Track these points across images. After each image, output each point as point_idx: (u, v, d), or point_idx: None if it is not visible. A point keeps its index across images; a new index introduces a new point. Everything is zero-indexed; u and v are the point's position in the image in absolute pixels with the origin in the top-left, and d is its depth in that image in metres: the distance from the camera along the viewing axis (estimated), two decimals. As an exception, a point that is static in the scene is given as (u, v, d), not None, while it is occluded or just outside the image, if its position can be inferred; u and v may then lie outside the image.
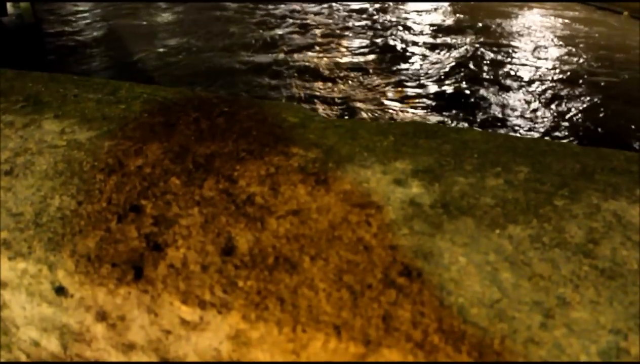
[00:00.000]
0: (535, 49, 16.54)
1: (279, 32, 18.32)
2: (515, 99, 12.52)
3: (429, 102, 12.44)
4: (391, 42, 16.52)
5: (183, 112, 1.48)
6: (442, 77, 13.72)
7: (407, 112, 12.16)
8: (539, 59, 15.91)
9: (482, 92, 13.25)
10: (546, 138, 10.32)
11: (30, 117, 1.55)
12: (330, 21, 20.34)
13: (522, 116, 11.70)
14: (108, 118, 1.50)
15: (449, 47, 16.23)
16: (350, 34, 17.43)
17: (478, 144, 1.41)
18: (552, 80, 13.96)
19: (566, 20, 19.03)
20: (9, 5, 18.05)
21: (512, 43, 16.73)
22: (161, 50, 18.51)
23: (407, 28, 17.98)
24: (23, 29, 16.32)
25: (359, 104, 12.41)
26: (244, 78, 14.72)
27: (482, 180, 1.25)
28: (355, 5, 18.99)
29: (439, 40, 16.78)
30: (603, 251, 1.09)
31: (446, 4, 19.46)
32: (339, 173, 1.23)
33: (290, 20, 19.64)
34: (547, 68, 14.59)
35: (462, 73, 14.11)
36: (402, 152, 1.32)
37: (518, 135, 10.07)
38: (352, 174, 1.23)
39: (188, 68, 15.31)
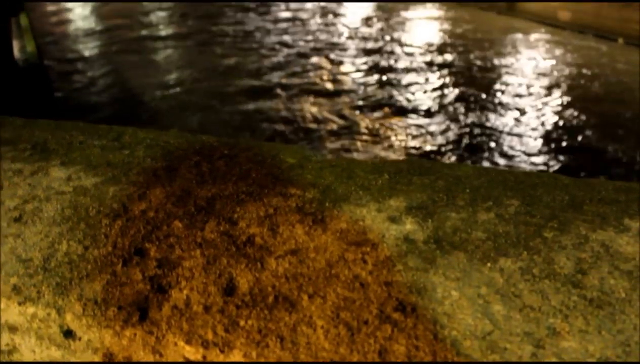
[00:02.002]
0: (534, 70, 16.69)
1: (274, 59, 18.58)
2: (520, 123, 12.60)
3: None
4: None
5: (185, 156, 1.54)
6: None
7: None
8: (538, 79, 16.04)
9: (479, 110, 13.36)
10: (539, 169, 10.38)
11: (38, 164, 1.60)
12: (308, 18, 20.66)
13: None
14: (112, 164, 1.55)
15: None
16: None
17: (470, 179, 1.46)
18: (551, 105, 14.06)
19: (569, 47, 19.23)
20: (15, 47, 18.35)
21: (509, 70, 16.91)
22: (163, 84, 18.77)
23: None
24: (30, 70, 16.58)
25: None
26: (239, 100, 14.93)
27: (473, 214, 1.29)
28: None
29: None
30: (591, 281, 1.13)
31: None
32: (335, 213, 1.28)
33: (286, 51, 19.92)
34: (545, 92, 14.70)
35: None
36: (396, 189, 1.36)
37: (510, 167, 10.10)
38: (348, 213, 1.28)
39: (190, 101, 15.52)
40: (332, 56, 20.35)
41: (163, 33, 27.86)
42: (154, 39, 27.18)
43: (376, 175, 1.43)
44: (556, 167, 10.64)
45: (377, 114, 14.00)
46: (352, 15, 30.64)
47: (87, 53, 25.00)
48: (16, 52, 20.03)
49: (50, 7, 37.64)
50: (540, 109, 13.81)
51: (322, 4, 31.50)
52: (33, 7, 36.40)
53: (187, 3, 32.87)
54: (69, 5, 41.54)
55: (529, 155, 11.34)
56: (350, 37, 23.94)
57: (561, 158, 11.05)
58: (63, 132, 1.83)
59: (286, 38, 22.36)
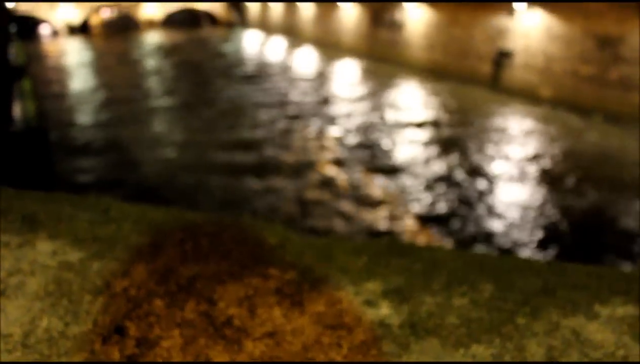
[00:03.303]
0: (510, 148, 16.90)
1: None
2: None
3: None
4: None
5: (170, 233, 1.57)
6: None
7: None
8: (516, 153, 16.21)
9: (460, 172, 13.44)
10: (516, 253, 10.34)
11: (25, 236, 1.63)
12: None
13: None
14: (99, 238, 1.58)
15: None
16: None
17: (447, 262, 1.50)
18: (527, 177, 14.17)
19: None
20: (16, 112, 18.53)
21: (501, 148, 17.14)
22: (156, 145, 18.88)
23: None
24: (28, 134, 16.68)
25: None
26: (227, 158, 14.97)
27: (448, 299, 1.33)
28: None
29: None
30: (561, 369, 1.15)
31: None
32: (313, 295, 1.31)
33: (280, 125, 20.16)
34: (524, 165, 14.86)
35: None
36: (374, 272, 1.40)
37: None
38: (326, 296, 1.31)
39: (184, 168, 15.57)
40: (323, 119, 20.68)
41: (160, 100, 28.29)
42: (150, 100, 27.57)
43: (355, 257, 1.47)
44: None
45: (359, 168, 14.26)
46: (342, 79, 31.34)
47: (83, 113, 25.30)
48: (17, 114, 20.23)
49: (52, 73, 38.27)
50: (516, 179, 13.98)
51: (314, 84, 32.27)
52: (35, 71, 37.01)
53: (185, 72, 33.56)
54: (69, 67, 42.23)
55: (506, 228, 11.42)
56: (337, 102, 24.42)
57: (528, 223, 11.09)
58: (53, 204, 1.86)
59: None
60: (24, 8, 72.19)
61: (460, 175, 14.48)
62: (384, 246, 1.49)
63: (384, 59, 35.89)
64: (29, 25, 72.37)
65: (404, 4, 34.60)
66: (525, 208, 12.15)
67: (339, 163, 16.01)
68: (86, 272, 1.44)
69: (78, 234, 1.63)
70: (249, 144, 18.08)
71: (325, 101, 25.68)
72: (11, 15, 56.95)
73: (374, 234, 11.19)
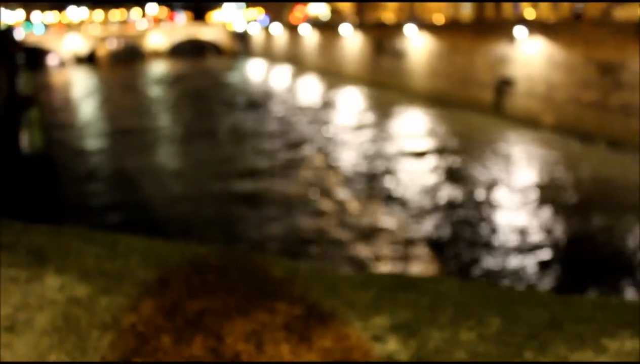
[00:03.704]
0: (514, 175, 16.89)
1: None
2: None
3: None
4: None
5: (176, 267, 1.58)
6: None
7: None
8: (520, 179, 16.18)
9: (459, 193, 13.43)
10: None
11: (34, 271, 1.64)
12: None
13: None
14: (106, 273, 1.59)
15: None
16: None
17: (453, 295, 1.50)
18: (529, 203, 14.10)
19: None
20: (23, 141, 18.75)
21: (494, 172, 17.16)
22: (160, 172, 18.94)
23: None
24: (35, 161, 16.83)
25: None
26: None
27: (456, 333, 1.33)
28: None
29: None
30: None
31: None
32: (321, 330, 1.31)
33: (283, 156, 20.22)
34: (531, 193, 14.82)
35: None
36: (381, 306, 1.40)
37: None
38: (334, 331, 1.31)
39: (187, 197, 15.61)
40: (326, 149, 20.74)
41: (163, 129, 28.40)
42: (155, 130, 27.70)
43: (362, 291, 1.47)
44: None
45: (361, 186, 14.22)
46: (345, 107, 31.38)
47: (90, 142, 25.43)
48: (25, 143, 20.45)
49: (58, 102, 38.70)
50: (518, 207, 13.88)
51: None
52: (42, 100, 37.44)
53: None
54: (75, 96, 42.69)
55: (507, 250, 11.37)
56: (343, 130, 24.45)
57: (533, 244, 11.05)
58: (61, 237, 1.88)
59: (282, 134, 22.84)
60: (32, 39, 73.11)
61: (462, 202, 14.45)
62: (390, 279, 1.49)
63: (386, 86, 36.13)
64: (37, 55, 73.38)
65: (406, 33, 34.92)
66: (526, 233, 12.10)
67: (340, 192, 15.95)
68: (94, 307, 1.45)
69: (86, 269, 1.64)
70: (248, 173, 18.00)
71: (327, 129, 25.75)
72: (20, 46, 57.68)
73: (375, 259, 11.16)
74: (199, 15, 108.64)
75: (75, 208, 15.51)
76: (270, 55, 62.18)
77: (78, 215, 14.97)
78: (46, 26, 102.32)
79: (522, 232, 12.31)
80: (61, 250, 1.80)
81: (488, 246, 11.54)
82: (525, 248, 11.35)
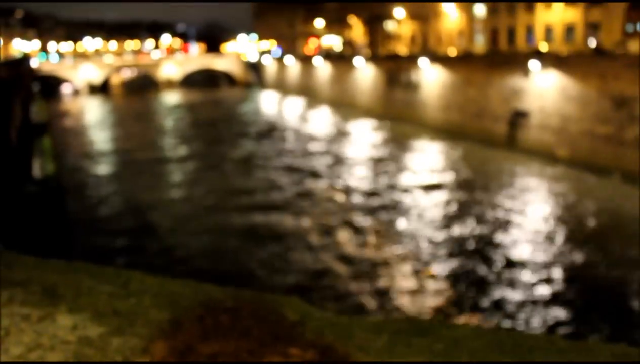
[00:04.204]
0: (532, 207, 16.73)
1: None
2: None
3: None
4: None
5: (189, 307, 1.57)
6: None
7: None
8: (535, 212, 16.00)
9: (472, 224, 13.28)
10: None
11: (46, 310, 1.64)
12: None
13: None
14: (118, 313, 1.58)
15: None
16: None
17: (468, 341, 1.47)
18: (544, 237, 13.93)
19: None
20: (35, 169, 18.99)
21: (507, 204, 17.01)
22: (170, 201, 18.95)
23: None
24: (47, 192, 17.00)
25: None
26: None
27: (471, 381, 1.30)
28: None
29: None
30: None
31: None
32: (333, 377, 1.29)
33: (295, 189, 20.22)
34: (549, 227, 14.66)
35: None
36: (395, 352, 1.38)
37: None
38: (347, 377, 1.29)
39: (197, 229, 15.60)
40: (339, 182, 20.69)
41: (175, 159, 28.48)
42: (166, 160, 27.82)
43: (376, 336, 1.46)
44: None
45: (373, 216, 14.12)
46: (357, 139, 31.29)
47: (101, 172, 25.64)
48: (36, 170, 20.70)
49: (71, 131, 39.15)
50: (536, 242, 13.72)
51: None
52: (56, 128, 37.90)
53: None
54: (89, 124, 43.18)
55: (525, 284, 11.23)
56: (358, 163, 24.42)
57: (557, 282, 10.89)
58: (73, 275, 1.88)
59: (295, 165, 22.83)
60: (47, 68, 74.42)
61: (475, 237, 14.27)
62: (404, 324, 1.48)
63: (399, 119, 36.11)
64: (52, 83, 74.59)
65: (420, 65, 35.04)
66: (541, 268, 11.95)
67: (352, 226, 15.75)
68: (106, 348, 1.45)
69: (98, 308, 1.64)
70: (258, 207, 17.76)
71: (340, 162, 25.67)
72: (35, 75, 58.72)
73: (380, 293, 11.00)
74: (212, 46, 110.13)
75: (84, 236, 15.56)
76: (283, 86, 62.63)
77: (87, 242, 15.01)
78: (61, 55, 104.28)
79: (536, 266, 12.18)
80: (73, 287, 1.80)
81: (502, 281, 11.41)
82: (539, 282, 11.20)
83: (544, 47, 35.32)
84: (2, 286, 1.79)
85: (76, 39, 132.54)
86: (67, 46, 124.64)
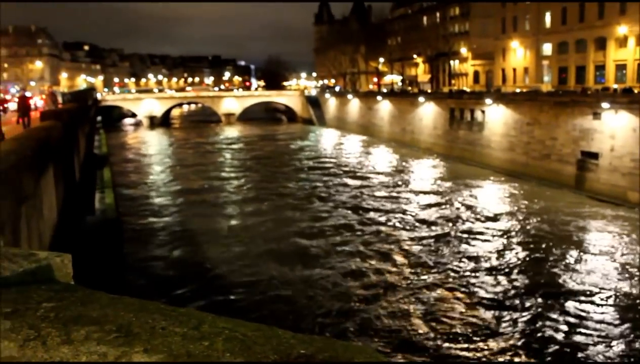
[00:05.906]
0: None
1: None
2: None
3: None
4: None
5: (262, 353, 1.56)
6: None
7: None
8: (611, 260, 15.28)
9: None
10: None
11: (122, 349, 1.66)
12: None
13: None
14: (193, 355, 1.58)
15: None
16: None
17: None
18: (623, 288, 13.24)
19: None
20: (96, 202, 19.65)
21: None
22: (226, 236, 19.10)
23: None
24: (106, 224, 17.53)
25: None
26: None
27: None
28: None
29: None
30: None
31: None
32: None
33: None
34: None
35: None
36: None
37: None
38: None
39: (253, 270, 15.64)
40: (397, 220, 20.37)
41: (231, 193, 28.53)
42: (223, 194, 27.91)
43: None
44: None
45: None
46: (419, 179, 30.68)
47: (159, 204, 25.94)
48: (97, 202, 21.36)
49: (131, 163, 40.21)
50: (617, 292, 12.99)
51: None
52: (116, 160, 39.14)
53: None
54: (148, 157, 44.35)
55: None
56: (416, 202, 23.93)
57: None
58: (146, 314, 1.90)
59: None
60: (111, 100, 77.05)
61: (546, 285, 13.65)
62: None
63: (462, 158, 35.26)
64: (114, 116, 77.14)
65: (484, 103, 34.36)
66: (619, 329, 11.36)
67: (419, 265, 15.32)
68: (182, 392, 1.45)
69: (172, 349, 1.65)
70: (310, 253, 17.30)
71: (400, 200, 25.12)
72: (99, 107, 60.81)
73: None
74: (272, 81, 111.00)
75: (140, 268, 15.81)
76: (342, 122, 62.51)
77: (142, 273, 15.25)
78: (124, 88, 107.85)
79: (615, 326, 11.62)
80: (147, 327, 1.81)
81: (576, 333, 10.97)
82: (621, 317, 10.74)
83: (614, 85, 34.25)
84: (79, 323, 1.83)
85: (140, 72, 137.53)
86: (130, 79, 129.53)
